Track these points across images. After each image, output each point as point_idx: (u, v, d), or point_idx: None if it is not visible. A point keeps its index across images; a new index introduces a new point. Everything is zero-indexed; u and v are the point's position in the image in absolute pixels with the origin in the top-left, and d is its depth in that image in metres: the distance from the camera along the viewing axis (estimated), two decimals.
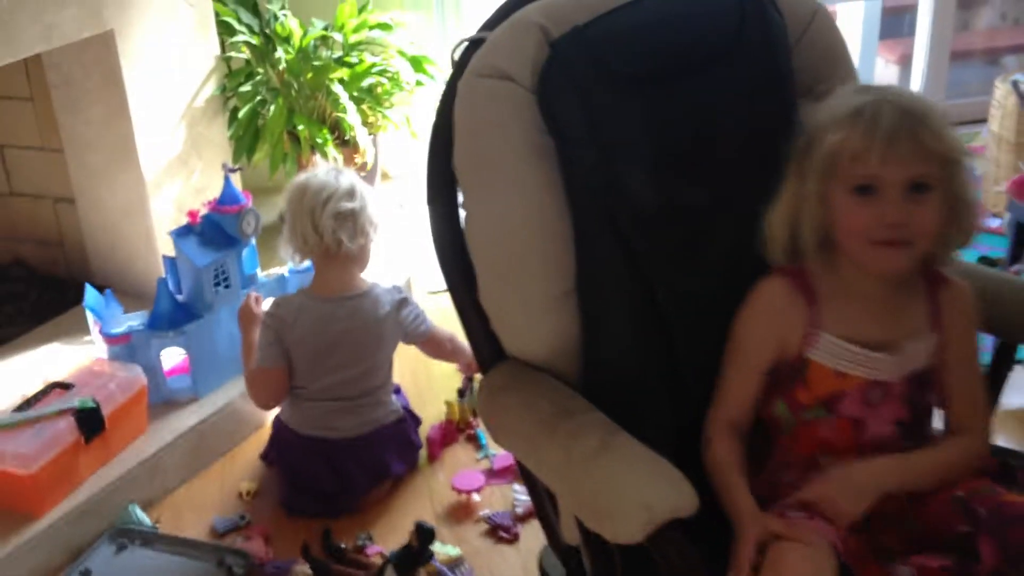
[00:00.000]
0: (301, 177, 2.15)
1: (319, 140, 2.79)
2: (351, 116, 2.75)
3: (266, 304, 2.24)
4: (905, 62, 3.95)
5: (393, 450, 2.19)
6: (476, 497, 2.13)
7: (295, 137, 2.86)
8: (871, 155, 1.13)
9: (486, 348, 1.35)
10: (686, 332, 1.31)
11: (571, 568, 1.40)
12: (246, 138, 2.82)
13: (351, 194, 2.10)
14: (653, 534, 1.04)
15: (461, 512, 2.12)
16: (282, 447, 2.20)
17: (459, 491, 2.14)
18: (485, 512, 2.10)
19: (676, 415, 1.31)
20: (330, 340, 2.11)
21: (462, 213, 1.33)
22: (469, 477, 2.16)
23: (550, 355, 1.29)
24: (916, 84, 3.88)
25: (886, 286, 1.23)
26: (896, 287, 1.23)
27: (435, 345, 2.26)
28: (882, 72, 4.13)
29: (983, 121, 3.19)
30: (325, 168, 2.15)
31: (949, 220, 1.18)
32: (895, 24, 4.02)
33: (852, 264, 1.22)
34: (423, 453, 2.29)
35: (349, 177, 2.13)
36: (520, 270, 1.27)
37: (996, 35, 4.39)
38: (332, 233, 2.07)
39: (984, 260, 2.60)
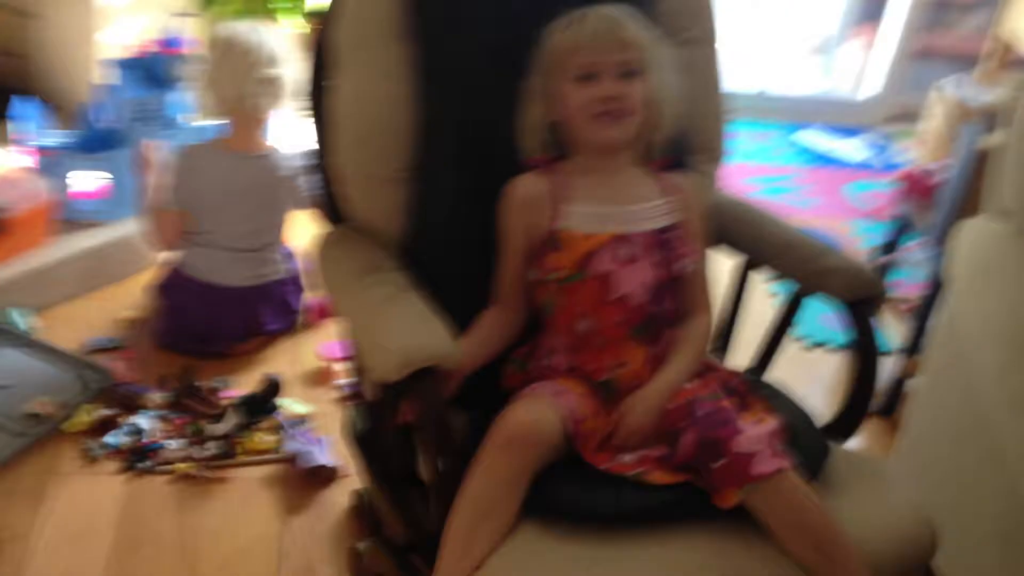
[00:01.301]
0: (223, 32, 2.21)
1: (273, 4, 2.86)
2: None
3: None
4: (870, 48, 4.03)
5: (270, 308, 2.33)
6: (337, 366, 2.27)
7: None
8: (585, 47, 1.36)
9: (329, 209, 1.53)
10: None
11: (372, 421, 1.56)
12: None
13: (274, 60, 2.19)
14: (411, 377, 1.20)
15: (320, 377, 2.26)
16: (169, 285, 2.32)
17: (322, 358, 2.28)
18: (342, 381, 2.24)
19: (481, 290, 1.46)
20: (229, 193, 2.22)
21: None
22: (335, 347, 2.30)
23: (382, 218, 1.46)
24: (881, 72, 3.96)
25: (616, 163, 1.43)
26: (625, 166, 1.44)
27: None
28: (849, 54, 4.19)
29: None
30: (246, 27, 2.22)
31: (654, 106, 1.41)
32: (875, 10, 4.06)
33: (584, 149, 1.42)
34: (301, 320, 2.43)
35: (271, 40, 2.21)
36: (369, 140, 1.44)
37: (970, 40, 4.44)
38: (254, 98, 2.17)
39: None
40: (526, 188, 1.42)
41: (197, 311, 2.26)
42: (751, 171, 3.47)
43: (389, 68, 1.43)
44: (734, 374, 1.44)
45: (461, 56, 1.46)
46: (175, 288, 2.31)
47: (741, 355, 1.62)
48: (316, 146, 1.52)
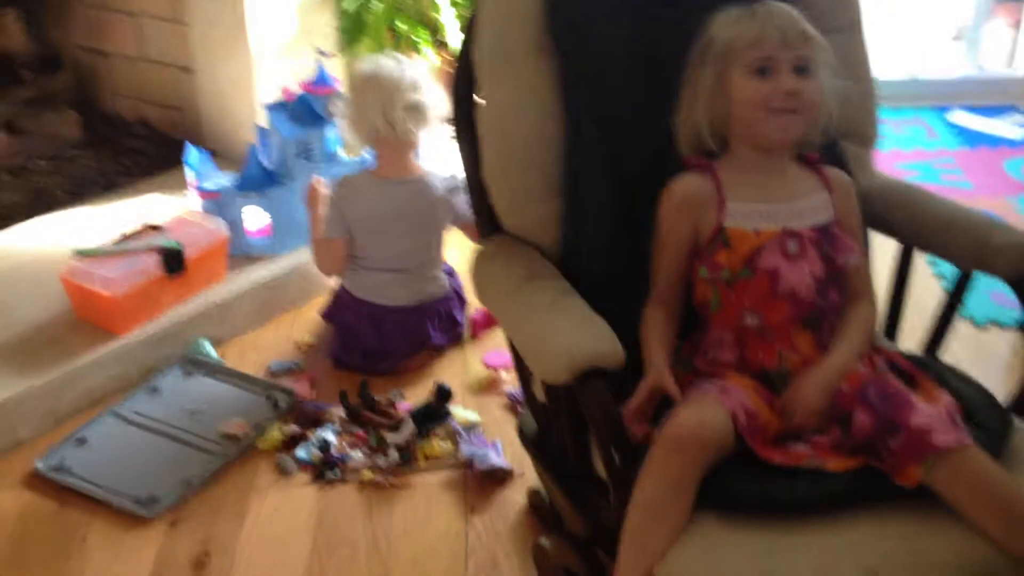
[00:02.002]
0: (367, 68, 2.32)
1: (416, 39, 2.98)
2: (446, 17, 2.94)
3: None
4: (1018, 27, 3.91)
5: (436, 323, 2.42)
6: (503, 374, 2.34)
7: (395, 34, 3.05)
8: (768, 39, 1.35)
9: (485, 220, 1.56)
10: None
11: (541, 424, 1.61)
12: (351, 30, 3.03)
13: (417, 86, 2.29)
14: (578, 378, 1.23)
15: (488, 386, 2.33)
16: (339, 308, 2.44)
17: (488, 367, 2.35)
18: (508, 388, 2.30)
19: (638, 292, 1.47)
20: (387, 217, 2.33)
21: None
22: (500, 356, 2.37)
23: (535, 229, 1.49)
24: None
25: (777, 161, 1.43)
26: (783, 162, 1.43)
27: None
28: (995, 33, 4.07)
29: None
30: (387, 59, 2.33)
31: (818, 107, 1.40)
32: None
33: (746, 146, 1.42)
34: (466, 332, 2.51)
35: (413, 68, 2.32)
36: (518, 154, 1.48)
37: None
38: (403, 124, 2.27)
39: None
40: (690, 187, 1.42)
41: (366, 331, 2.37)
42: (907, 157, 3.42)
43: (531, 82, 1.47)
44: (899, 355, 1.43)
45: (603, 65, 1.48)
46: (344, 311, 2.42)
47: (909, 340, 1.60)
48: (466, 161, 1.56)
